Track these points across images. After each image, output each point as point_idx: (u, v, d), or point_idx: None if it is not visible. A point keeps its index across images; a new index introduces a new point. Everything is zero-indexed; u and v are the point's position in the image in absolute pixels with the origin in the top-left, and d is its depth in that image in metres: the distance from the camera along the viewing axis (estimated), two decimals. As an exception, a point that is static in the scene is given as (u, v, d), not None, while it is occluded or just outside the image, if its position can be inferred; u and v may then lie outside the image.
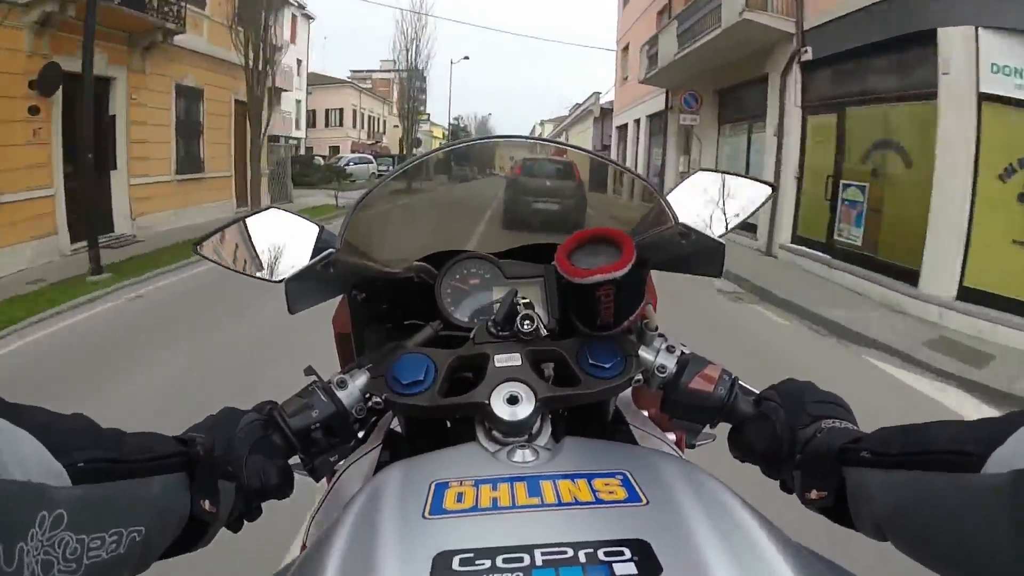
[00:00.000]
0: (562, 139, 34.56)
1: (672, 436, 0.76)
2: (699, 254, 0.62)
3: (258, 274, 0.65)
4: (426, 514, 0.40)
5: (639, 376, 0.57)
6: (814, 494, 0.49)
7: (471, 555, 0.36)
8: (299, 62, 31.02)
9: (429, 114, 38.71)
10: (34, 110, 7.03)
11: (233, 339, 4.45)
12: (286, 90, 28.78)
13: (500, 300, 0.66)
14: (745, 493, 0.43)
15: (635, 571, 0.34)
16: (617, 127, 20.05)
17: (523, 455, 0.48)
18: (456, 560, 0.35)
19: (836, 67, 7.29)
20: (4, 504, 0.30)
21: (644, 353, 0.59)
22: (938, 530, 0.37)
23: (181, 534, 0.46)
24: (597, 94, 24.83)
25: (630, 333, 0.60)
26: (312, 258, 0.59)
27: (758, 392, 0.58)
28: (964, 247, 5.19)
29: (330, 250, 0.58)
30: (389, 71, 24.77)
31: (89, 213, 6.72)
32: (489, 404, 0.53)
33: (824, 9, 7.16)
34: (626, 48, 18.75)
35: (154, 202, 9.71)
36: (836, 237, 7.13)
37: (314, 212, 10.88)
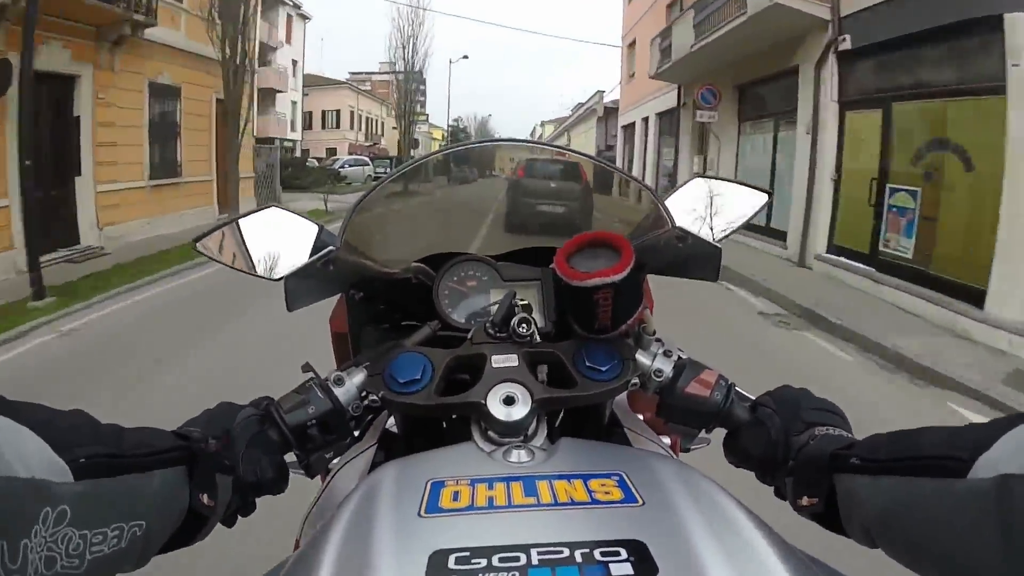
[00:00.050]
0: (564, 139, 34.31)
1: (667, 440, 0.77)
2: (696, 258, 0.63)
3: (256, 272, 0.64)
4: (422, 513, 0.40)
5: (635, 380, 0.58)
6: (805, 500, 0.49)
7: (467, 554, 0.36)
8: (294, 63, 30.43)
9: (428, 114, 38.11)
10: (-20, 112, 6.23)
11: (176, 395, 3.36)
12: (281, 91, 28.40)
13: (498, 302, 0.66)
14: (739, 498, 0.42)
15: (631, 572, 0.34)
16: (623, 126, 19.19)
17: (519, 455, 0.49)
18: (452, 559, 0.35)
19: (879, 57, 6.46)
20: (8, 501, 0.31)
21: (641, 357, 0.59)
22: (926, 535, 0.37)
23: (180, 528, 0.46)
24: (601, 92, 24.04)
25: (627, 337, 0.61)
26: (311, 257, 0.60)
27: (754, 398, 0.58)
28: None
29: (330, 248, 0.59)
30: (388, 73, 23.94)
31: (31, 226, 5.87)
32: (485, 404, 0.53)
33: (865, -8, 6.36)
34: (632, 44, 17.92)
35: (124, 210, 8.89)
36: (882, 248, 6.30)
37: (301, 219, 10.04)
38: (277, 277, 0.59)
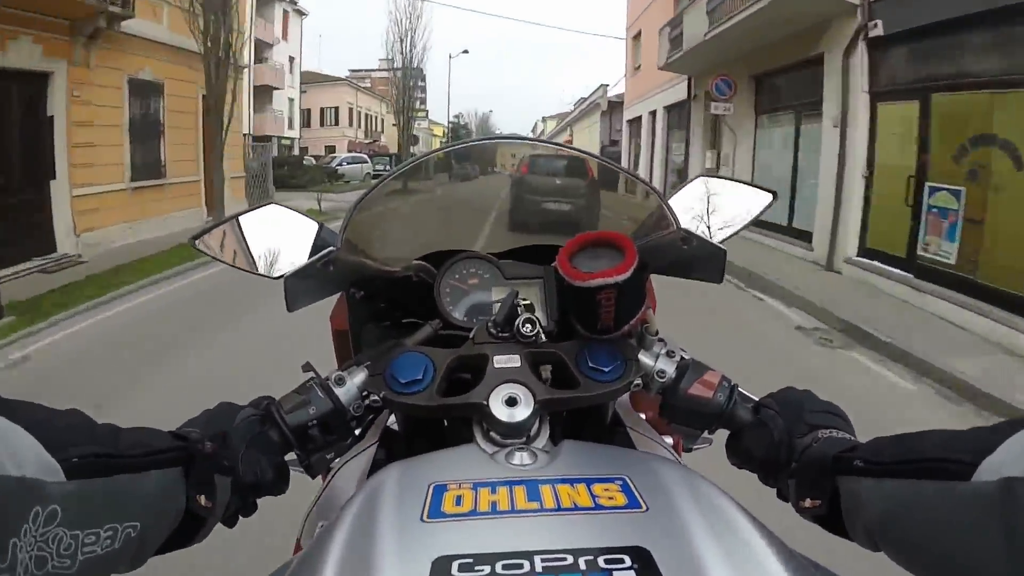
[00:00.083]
0: (566, 135, 33.79)
1: (669, 440, 0.75)
2: (700, 259, 0.62)
3: (256, 270, 0.64)
4: (425, 517, 0.40)
5: (638, 380, 0.58)
6: (808, 502, 0.49)
7: (470, 560, 0.35)
8: (291, 59, 29.96)
9: (427, 110, 37.56)
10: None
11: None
12: (277, 88, 27.91)
13: (500, 301, 0.66)
14: (740, 499, 0.42)
15: None
16: (628, 120, 18.56)
17: (521, 458, 0.48)
18: (455, 565, 0.35)
19: (916, 45, 5.88)
20: None
21: (644, 357, 0.59)
22: (929, 538, 0.37)
23: (177, 529, 0.46)
24: (604, 86, 23.42)
25: (630, 337, 0.61)
26: (311, 255, 0.60)
27: (757, 400, 0.58)
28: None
29: (331, 248, 0.58)
30: (387, 70, 23.36)
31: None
32: (487, 405, 0.53)
33: (901, -28, 5.79)
34: (637, 36, 17.30)
35: (103, 215, 8.38)
36: (920, 252, 5.72)
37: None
38: (276, 276, 0.59)
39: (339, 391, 0.56)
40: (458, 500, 0.42)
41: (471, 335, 0.61)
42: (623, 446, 0.64)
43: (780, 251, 8.02)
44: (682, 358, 0.59)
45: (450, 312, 0.72)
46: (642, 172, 16.09)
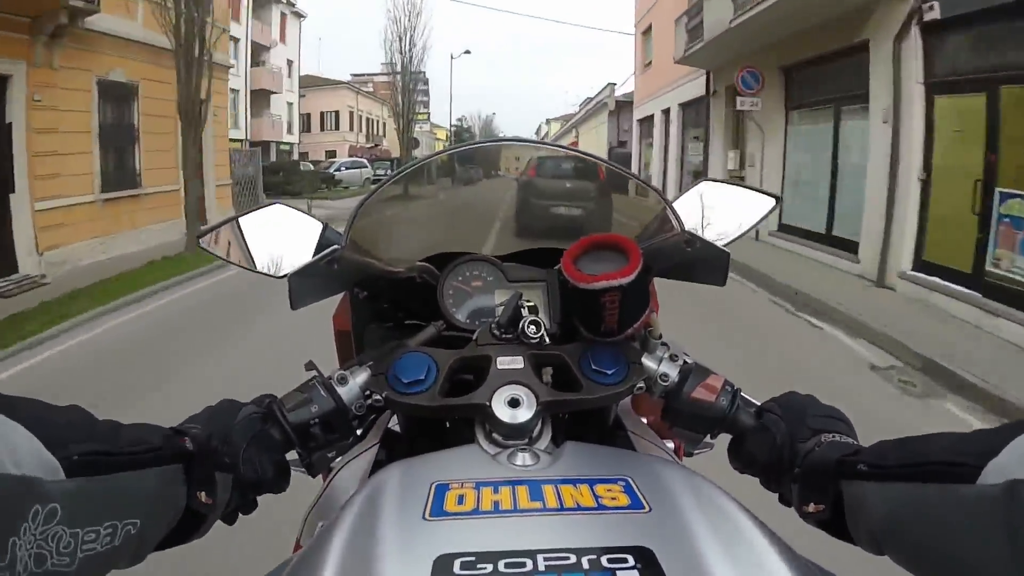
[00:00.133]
0: (571, 137, 33.04)
1: (670, 444, 0.76)
2: (704, 263, 0.62)
3: (260, 269, 0.64)
4: (426, 516, 0.40)
5: (641, 383, 0.58)
6: (812, 507, 0.49)
7: (472, 559, 0.35)
8: (290, 63, 29.34)
9: (428, 113, 36.88)
10: None
11: None
12: (275, 92, 27.27)
13: (502, 303, 0.68)
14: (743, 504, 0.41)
15: None
16: (639, 120, 17.68)
17: (524, 458, 0.48)
18: (457, 564, 0.35)
19: (980, 29, 5.03)
20: None
21: (647, 361, 0.59)
22: (933, 541, 0.37)
23: (177, 525, 0.46)
24: (612, 85, 22.53)
25: (633, 340, 0.61)
26: (315, 255, 0.59)
27: (759, 404, 0.57)
28: None
29: (335, 247, 0.58)
30: (388, 74, 22.61)
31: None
32: (490, 406, 0.53)
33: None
34: (647, 30, 16.47)
35: (70, 230, 7.64)
36: (990, 268, 4.86)
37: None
38: (280, 275, 0.59)
39: (341, 390, 0.56)
40: (460, 499, 0.42)
41: (474, 336, 0.61)
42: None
43: (819, 262, 7.17)
44: (685, 362, 0.59)
45: (453, 314, 0.72)
46: (655, 174, 15.24)
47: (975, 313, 4.86)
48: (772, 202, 0.75)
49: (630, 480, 0.44)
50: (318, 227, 0.68)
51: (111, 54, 8.29)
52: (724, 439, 0.59)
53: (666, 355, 0.59)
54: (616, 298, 0.53)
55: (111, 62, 8.31)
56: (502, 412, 0.52)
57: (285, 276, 0.54)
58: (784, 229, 8.42)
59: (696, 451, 0.66)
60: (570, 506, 0.40)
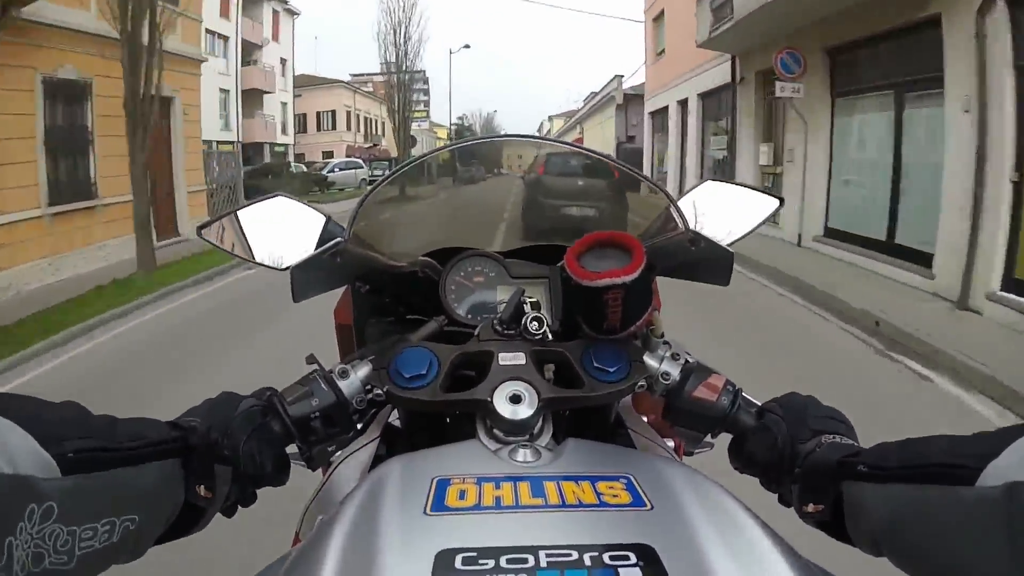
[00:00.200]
0: (576, 133, 32.03)
1: (671, 443, 0.76)
2: (708, 262, 0.62)
3: (263, 261, 0.64)
4: (427, 511, 0.40)
5: (642, 382, 0.58)
6: (811, 507, 0.49)
7: (474, 554, 0.35)
8: (283, 61, 28.36)
9: (427, 110, 35.92)
10: None
11: None
12: (268, 92, 26.29)
13: (504, 299, 0.68)
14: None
15: None
16: (651, 113, 16.49)
17: (525, 455, 0.48)
18: (459, 559, 0.35)
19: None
20: None
21: (649, 359, 0.59)
22: (933, 543, 0.37)
23: (176, 520, 0.45)
24: (619, 77, 21.33)
25: (635, 338, 0.61)
26: (317, 248, 0.60)
27: (760, 404, 0.58)
28: None
29: (338, 239, 0.59)
30: (387, 73, 21.57)
31: None
32: (491, 402, 0.53)
33: None
34: (658, 17, 15.36)
35: (12, 251, 6.65)
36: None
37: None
38: (283, 267, 0.59)
39: (342, 384, 0.56)
40: (461, 494, 0.41)
41: (476, 332, 0.62)
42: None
43: (879, 275, 6.09)
44: (687, 361, 0.59)
45: (454, 309, 0.73)
46: (671, 171, 14.11)
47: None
48: (776, 203, 0.74)
49: (632, 478, 0.44)
50: (321, 220, 0.66)
51: (60, 48, 7.26)
52: (724, 439, 0.59)
53: (668, 354, 0.59)
54: (619, 296, 0.53)
55: (59, 57, 7.28)
56: (503, 408, 0.52)
57: (287, 268, 0.55)
58: (831, 234, 7.33)
59: (696, 450, 0.66)
60: (572, 503, 0.41)
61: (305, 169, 22.80)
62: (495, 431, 0.53)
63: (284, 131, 27.59)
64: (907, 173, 6.08)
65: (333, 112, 32.87)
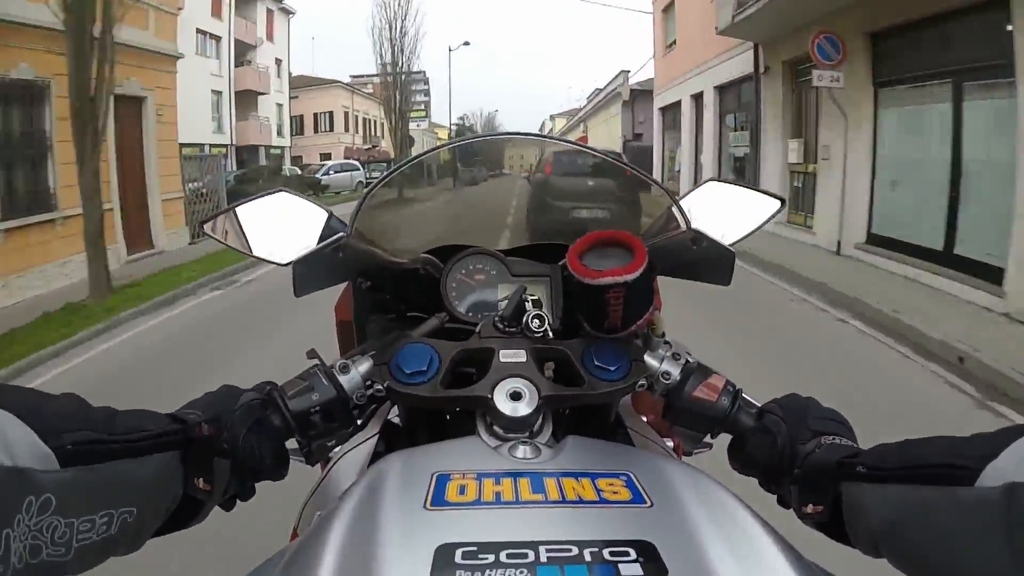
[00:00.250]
0: (580, 131, 31.24)
1: (670, 443, 0.76)
2: (709, 262, 0.62)
3: (264, 256, 0.63)
4: (427, 506, 0.40)
5: (643, 381, 0.58)
6: (810, 508, 0.49)
7: (474, 549, 0.35)
8: (278, 62, 27.62)
9: (426, 110, 35.22)
10: None
11: None
12: (263, 93, 25.55)
13: (505, 297, 0.68)
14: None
15: (640, 572, 0.34)
16: (660, 108, 15.66)
17: (525, 451, 0.48)
18: (459, 553, 0.35)
19: None
20: None
21: (649, 359, 0.59)
22: (932, 544, 0.37)
23: (174, 512, 0.45)
24: (626, 72, 20.51)
25: (636, 338, 0.61)
26: (320, 243, 0.60)
27: (760, 405, 0.58)
28: None
29: (340, 234, 0.59)
30: (387, 74, 20.85)
31: None
32: (492, 398, 0.53)
33: None
34: (668, 7, 14.55)
35: (-44, 271, 5.94)
36: None
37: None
38: (285, 262, 0.59)
39: (343, 379, 0.56)
40: (461, 489, 0.41)
41: (477, 329, 0.62)
42: None
43: (935, 289, 5.31)
44: (687, 361, 0.59)
45: (455, 306, 0.73)
46: (686, 171, 13.29)
47: None
48: (777, 204, 0.73)
49: (631, 475, 0.44)
50: (323, 216, 0.65)
51: (12, 45, 6.56)
52: (724, 439, 0.59)
53: (668, 353, 0.60)
54: (620, 294, 0.54)
55: (12, 56, 6.57)
56: (504, 405, 0.52)
57: (289, 263, 0.55)
58: (875, 241, 6.53)
59: (695, 450, 0.66)
60: (572, 499, 0.41)
61: (299, 172, 22.05)
62: (495, 428, 0.53)
63: (280, 133, 26.89)
64: (969, 173, 5.29)
65: (331, 113, 32.16)
